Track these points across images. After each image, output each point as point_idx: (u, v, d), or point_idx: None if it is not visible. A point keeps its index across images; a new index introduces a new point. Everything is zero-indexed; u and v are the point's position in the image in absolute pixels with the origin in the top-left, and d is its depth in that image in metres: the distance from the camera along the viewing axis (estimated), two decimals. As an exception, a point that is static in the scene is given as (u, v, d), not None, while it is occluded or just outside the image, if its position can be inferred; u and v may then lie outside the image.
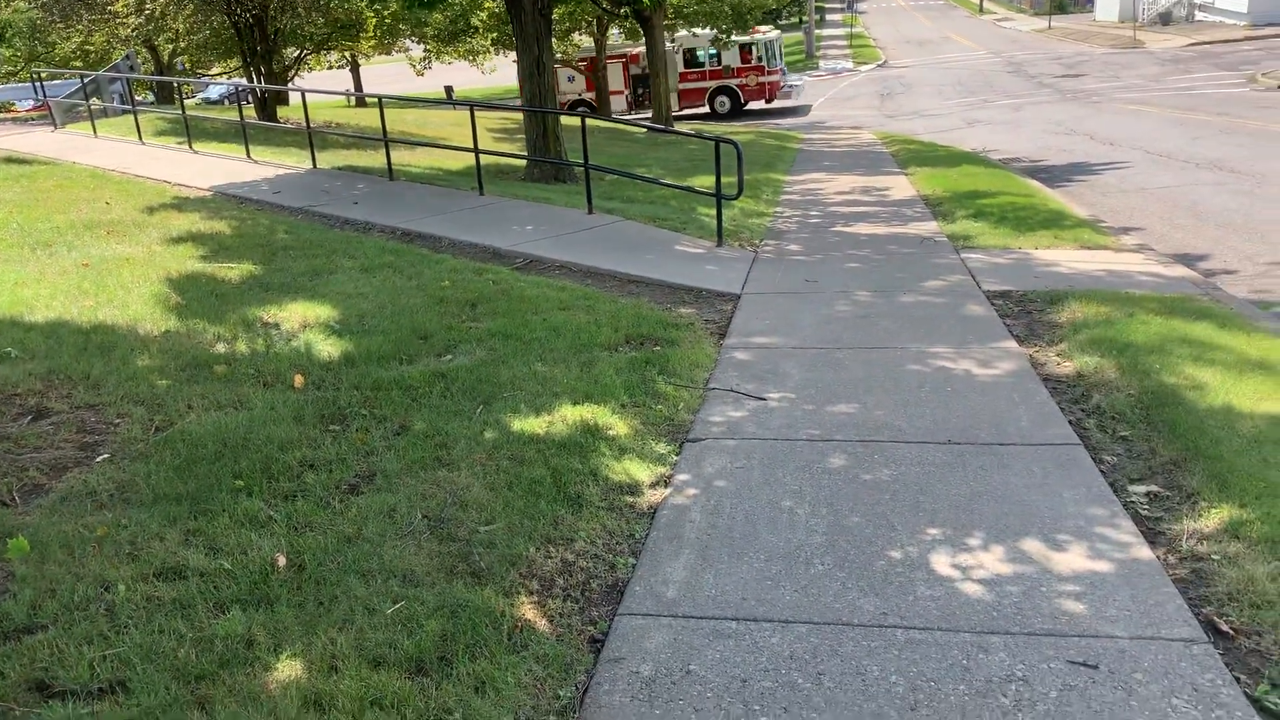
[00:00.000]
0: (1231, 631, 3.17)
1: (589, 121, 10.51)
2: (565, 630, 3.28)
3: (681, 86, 33.49)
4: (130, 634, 3.13)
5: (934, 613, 3.30)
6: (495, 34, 26.22)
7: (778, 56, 33.18)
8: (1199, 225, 10.24)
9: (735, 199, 9.42)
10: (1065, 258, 8.29)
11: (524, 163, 13.22)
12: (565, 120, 13.38)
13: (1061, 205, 11.09)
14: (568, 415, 4.78)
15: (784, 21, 66.35)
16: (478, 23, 25.63)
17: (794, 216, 11.23)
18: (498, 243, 8.81)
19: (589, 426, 4.66)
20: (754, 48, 32.44)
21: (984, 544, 3.71)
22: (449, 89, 37.91)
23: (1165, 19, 52.60)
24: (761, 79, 32.49)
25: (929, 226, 10.16)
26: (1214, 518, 3.81)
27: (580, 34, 30.83)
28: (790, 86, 33.79)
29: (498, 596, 3.36)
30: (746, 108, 33.51)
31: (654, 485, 4.28)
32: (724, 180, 9.24)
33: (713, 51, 32.36)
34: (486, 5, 24.08)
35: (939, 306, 7.00)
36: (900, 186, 13.20)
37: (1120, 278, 7.50)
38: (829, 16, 78.81)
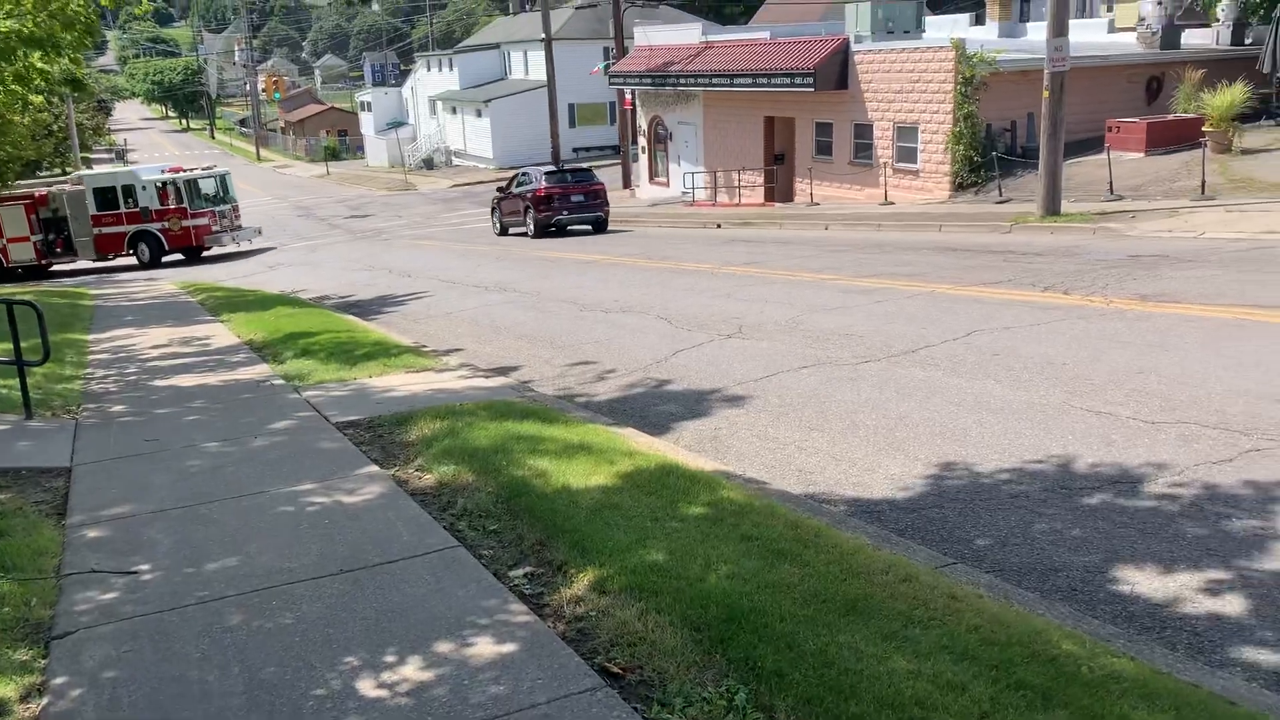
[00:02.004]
0: (621, 671, 3.71)
1: None
2: None
3: (97, 231, 29.12)
4: None
5: (374, 736, 3.34)
6: None
7: (209, 196, 29.65)
8: (503, 339, 11.69)
9: (42, 364, 8.44)
10: (399, 382, 8.87)
11: None
12: None
13: (383, 335, 11.82)
14: (-120, 647, 3.88)
15: (44, 174, 60.73)
16: None
17: (110, 376, 10.36)
18: None
19: (-84, 653, 3.83)
20: (169, 187, 28.86)
21: (401, 658, 3.84)
22: None
23: (429, 164, 59.00)
24: (185, 222, 28.78)
25: (260, 370, 10.11)
26: (583, 581, 4.41)
27: None
28: (232, 231, 30.06)
29: None
30: (202, 254, 29.53)
31: (26, 699, 3.66)
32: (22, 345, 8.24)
33: (139, 188, 28.68)
34: None
35: (294, 445, 7.03)
36: (220, 334, 12.91)
37: (452, 393, 8.24)
38: (96, 167, 73.98)
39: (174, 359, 11.27)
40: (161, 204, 28.70)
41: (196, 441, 7.28)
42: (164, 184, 28.82)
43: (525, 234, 26.92)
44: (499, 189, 29.48)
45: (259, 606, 4.35)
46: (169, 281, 23.08)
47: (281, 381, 9.35)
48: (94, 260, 29.83)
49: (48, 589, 4.62)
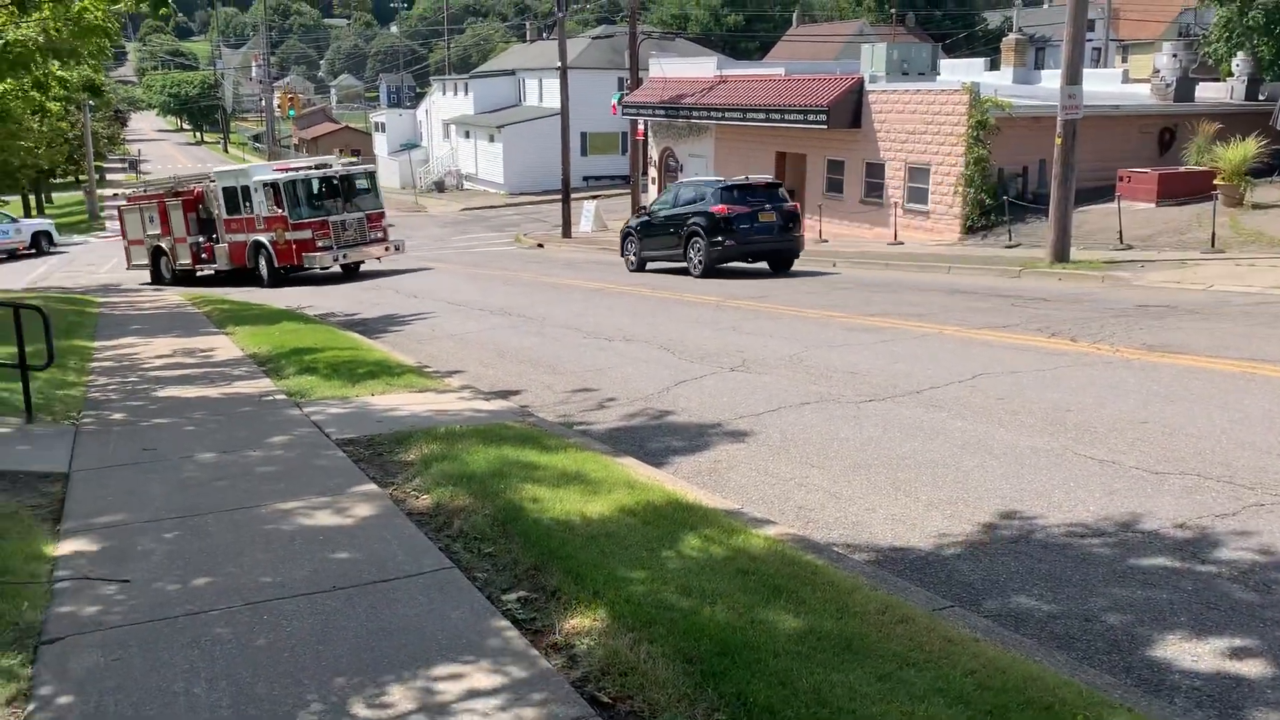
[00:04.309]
0: (611, 701, 3.67)
1: None
2: None
3: (230, 239, 24.74)
4: None
5: (359, 758, 3.30)
6: None
7: (333, 202, 24.10)
8: (507, 363, 11.69)
9: (45, 368, 8.45)
10: (401, 402, 8.86)
11: None
12: None
13: (386, 354, 11.81)
14: None
15: (59, 180, 61.15)
16: None
17: (112, 385, 10.37)
18: None
19: (-98, 653, 3.80)
20: (274, 189, 23.31)
21: (394, 679, 3.80)
22: None
23: (440, 187, 59.34)
24: (287, 235, 23.24)
25: (263, 384, 10.11)
26: (576, 608, 4.37)
27: None
28: (351, 247, 24.10)
29: None
30: (359, 268, 25.09)
31: (12, 703, 3.62)
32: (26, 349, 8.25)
33: (252, 189, 23.71)
34: None
35: (292, 460, 7.01)
36: (224, 346, 12.93)
37: (453, 415, 8.22)
38: (110, 176, 74.57)
39: (177, 369, 11.28)
40: (270, 210, 23.46)
41: (194, 453, 7.27)
42: (270, 184, 23.54)
43: None
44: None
45: (249, 622, 4.31)
46: (175, 292, 23.15)
47: (283, 397, 9.33)
48: (228, 270, 25.49)
49: (39, 594, 4.59)
